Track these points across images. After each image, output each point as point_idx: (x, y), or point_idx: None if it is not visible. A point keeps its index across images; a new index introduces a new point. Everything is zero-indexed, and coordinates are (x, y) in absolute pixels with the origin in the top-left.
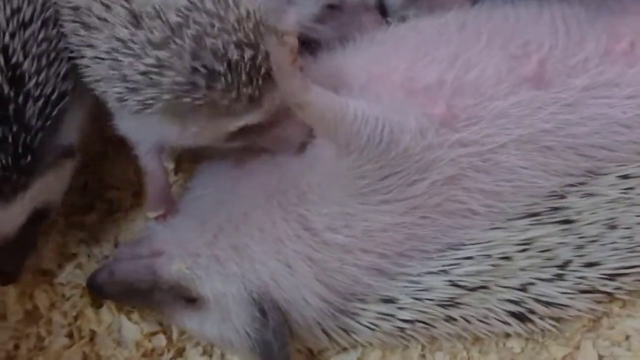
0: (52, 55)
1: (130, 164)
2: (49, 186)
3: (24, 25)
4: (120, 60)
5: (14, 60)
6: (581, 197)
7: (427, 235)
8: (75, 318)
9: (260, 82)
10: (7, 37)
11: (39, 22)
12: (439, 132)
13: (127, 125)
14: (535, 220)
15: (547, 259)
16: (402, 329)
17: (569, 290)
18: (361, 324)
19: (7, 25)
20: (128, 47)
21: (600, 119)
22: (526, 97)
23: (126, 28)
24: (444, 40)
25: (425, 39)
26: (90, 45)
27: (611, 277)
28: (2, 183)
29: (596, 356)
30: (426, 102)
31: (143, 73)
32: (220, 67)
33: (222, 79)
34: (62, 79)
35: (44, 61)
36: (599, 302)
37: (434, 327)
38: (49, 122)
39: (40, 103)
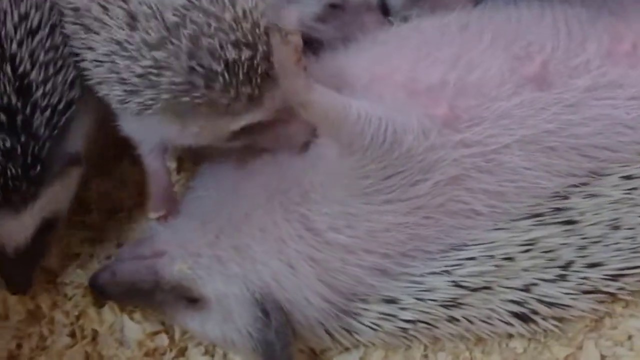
0: (59, 63)
1: (133, 164)
2: (57, 195)
3: (32, 33)
4: (118, 63)
5: (21, 69)
6: (584, 198)
7: (430, 236)
8: (78, 317)
9: (259, 81)
10: (14, 45)
11: (47, 29)
12: (441, 132)
13: (129, 126)
14: (538, 221)
15: (550, 260)
16: (404, 330)
17: (571, 291)
18: (363, 324)
19: (15, 32)
20: (125, 49)
21: (603, 120)
22: (529, 98)
23: (123, 29)
24: (447, 41)
25: (428, 40)
26: (90, 48)
27: (614, 277)
28: (12, 193)
29: (598, 356)
30: (429, 102)
31: (140, 75)
32: (218, 67)
33: (220, 78)
34: (68, 87)
35: (51, 69)
36: (602, 303)
37: (436, 327)
38: (56, 131)
39: (47, 113)
